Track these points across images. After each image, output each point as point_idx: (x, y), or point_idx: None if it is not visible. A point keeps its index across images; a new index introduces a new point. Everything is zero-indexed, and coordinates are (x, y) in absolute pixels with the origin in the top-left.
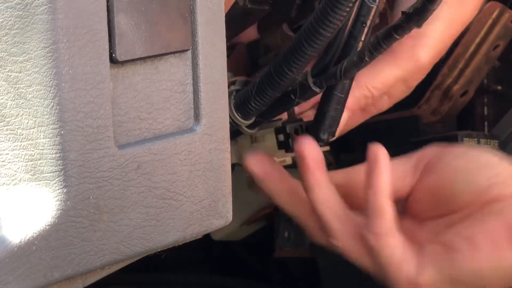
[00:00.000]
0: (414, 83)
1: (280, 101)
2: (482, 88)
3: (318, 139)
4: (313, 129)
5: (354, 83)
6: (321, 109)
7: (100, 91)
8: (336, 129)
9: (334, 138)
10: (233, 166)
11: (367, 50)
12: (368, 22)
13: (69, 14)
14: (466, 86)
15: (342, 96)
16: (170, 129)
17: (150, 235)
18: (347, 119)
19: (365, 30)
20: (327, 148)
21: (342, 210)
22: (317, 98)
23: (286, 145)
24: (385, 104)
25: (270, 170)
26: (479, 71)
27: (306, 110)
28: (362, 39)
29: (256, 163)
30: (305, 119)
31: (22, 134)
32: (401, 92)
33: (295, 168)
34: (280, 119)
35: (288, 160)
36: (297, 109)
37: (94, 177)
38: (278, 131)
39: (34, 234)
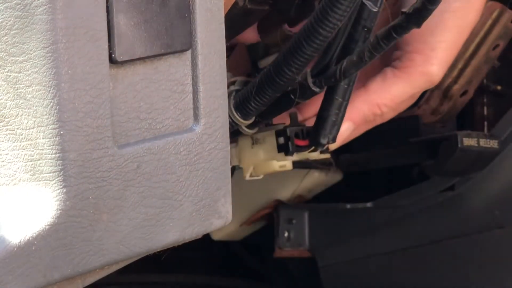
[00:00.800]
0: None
1: (279, 101)
2: (482, 88)
3: (318, 144)
4: (313, 133)
5: (364, 99)
6: (322, 113)
7: (99, 91)
8: (336, 134)
9: (336, 147)
10: (233, 168)
11: (367, 50)
12: (370, 27)
13: (68, 15)
14: (466, 86)
15: (343, 100)
16: (170, 129)
17: (150, 235)
18: (351, 131)
19: (367, 34)
20: (327, 155)
21: None
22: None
23: (285, 148)
24: (390, 116)
25: None
26: (479, 71)
27: (309, 118)
28: (363, 42)
29: None
30: None
31: (22, 134)
32: (407, 105)
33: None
34: (283, 123)
35: (288, 164)
36: (300, 117)
37: (93, 177)
38: (278, 134)
39: (34, 234)
